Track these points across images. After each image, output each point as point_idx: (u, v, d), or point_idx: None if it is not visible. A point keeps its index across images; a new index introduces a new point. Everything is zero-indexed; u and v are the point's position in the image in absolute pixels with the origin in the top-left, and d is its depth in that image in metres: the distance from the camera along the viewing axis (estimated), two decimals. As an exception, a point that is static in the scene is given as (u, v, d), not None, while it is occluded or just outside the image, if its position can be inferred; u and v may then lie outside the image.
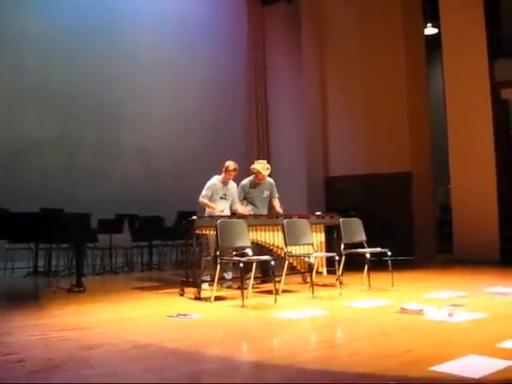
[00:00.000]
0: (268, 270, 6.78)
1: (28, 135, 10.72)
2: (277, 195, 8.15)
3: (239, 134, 13.59)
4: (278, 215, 7.58)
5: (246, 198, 8.01)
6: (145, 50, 12.31)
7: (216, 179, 7.62)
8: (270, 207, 8.15)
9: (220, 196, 7.58)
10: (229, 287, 7.34)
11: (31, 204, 8.08)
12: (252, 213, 7.70)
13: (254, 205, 7.98)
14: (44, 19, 11.24)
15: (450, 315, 4.86)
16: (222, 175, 7.62)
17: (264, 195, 8.07)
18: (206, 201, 7.48)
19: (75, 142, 11.32)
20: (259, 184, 8.03)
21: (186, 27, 13.02)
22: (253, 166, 8.06)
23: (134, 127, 12.13)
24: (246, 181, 8.09)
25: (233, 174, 7.59)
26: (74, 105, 11.34)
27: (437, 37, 12.21)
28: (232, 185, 7.76)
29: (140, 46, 12.27)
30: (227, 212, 7.56)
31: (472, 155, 10.69)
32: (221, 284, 7.34)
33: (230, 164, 7.57)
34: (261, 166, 7.96)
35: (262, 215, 7.55)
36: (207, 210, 7.57)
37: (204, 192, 7.53)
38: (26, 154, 10.65)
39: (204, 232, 6.86)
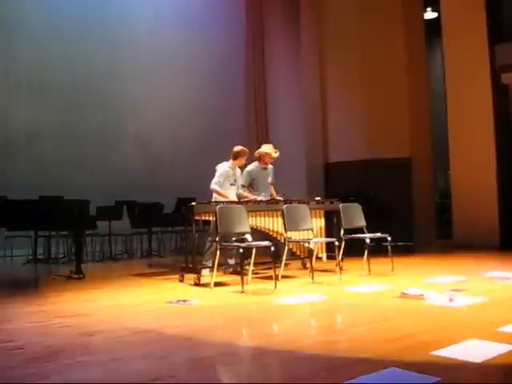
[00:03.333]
0: (279, 254, 6.77)
1: (26, 123, 10.67)
2: (274, 181, 8.11)
3: (238, 120, 13.53)
4: (278, 202, 7.52)
5: (250, 184, 7.89)
6: (143, 36, 12.23)
7: (226, 166, 7.54)
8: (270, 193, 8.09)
9: (231, 182, 7.53)
10: (233, 272, 7.33)
11: (30, 192, 8.05)
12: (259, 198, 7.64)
13: (257, 190, 7.84)
14: (42, 6, 11.17)
15: (451, 300, 4.86)
16: (231, 161, 7.56)
17: (268, 180, 8.01)
18: (218, 189, 7.39)
19: (73, 130, 11.26)
20: (265, 169, 7.96)
21: (183, 12, 12.95)
22: (260, 150, 7.93)
23: (133, 114, 12.07)
24: (252, 166, 7.93)
25: (246, 158, 7.56)
26: (71, 93, 11.28)
27: (436, 21, 12.12)
28: (238, 170, 7.73)
29: (138, 33, 12.19)
30: (235, 198, 7.52)
31: (472, 140, 10.65)
32: (223, 270, 7.35)
33: (245, 149, 7.53)
34: (269, 149, 7.86)
35: (261, 200, 7.50)
36: (215, 196, 7.46)
37: (217, 179, 7.43)
38: (24, 142, 10.61)
39: (207, 217, 6.83)
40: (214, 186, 7.41)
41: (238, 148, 7.55)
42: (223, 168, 7.51)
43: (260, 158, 7.90)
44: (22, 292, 6.31)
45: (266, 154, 7.82)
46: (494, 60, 10.69)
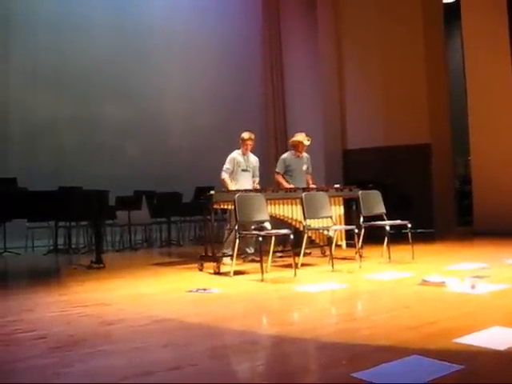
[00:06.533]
0: (298, 242, 6.79)
1: (44, 114, 10.75)
2: (310, 171, 8.33)
3: (255, 109, 13.49)
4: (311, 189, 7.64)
5: (286, 172, 8.11)
6: (159, 26, 12.23)
7: (236, 153, 7.68)
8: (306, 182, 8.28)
9: (242, 168, 7.64)
10: (251, 261, 7.35)
11: (49, 183, 8.10)
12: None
13: (293, 178, 8.07)
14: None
15: (473, 287, 4.80)
16: (241, 148, 7.65)
17: (303, 168, 8.20)
18: (225, 176, 7.52)
19: (91, 120, 11.33)
20: (299, 157, 8.15)
21: (199, 1, 12.92)
22: (293, 139, 8.19)
23: (150, 104, 12.08)
24: (286, 154, 8.28)
25: (249, 143, 7.61)
26: (88, 83, 11.33)
27: (455, 4, 11.94)
28: (254, 158, 7.79)
29: (154, 23, 12.20)
30: (249, 184, 7.58)
31: (492, 125, 10.51)
32: (243, 258, 7.37)
33: (245, 134, 7.63)
34: (301, 137, 8.09)
35: (280, 189, 7.54)
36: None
37: (225, 166, 7.59)
38: (43, 133, 10.69)
39: (226, 206, 6.85)
40: (222, 174, 7.57)
41: (242, 134, 7.64)
42: (231, 155, 7.67)
43: (294, 147, 8.15)
44: (44, 282, 6.38)
45: (299, 142, 8.04)
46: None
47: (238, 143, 7.70)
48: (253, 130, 7.96)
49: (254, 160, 7.81)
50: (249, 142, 7.60)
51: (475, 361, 2.93)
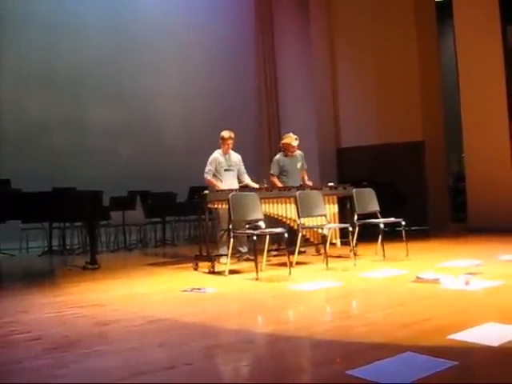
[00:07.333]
0: (293, 240, 6.79)
1: (37, 115, 10.71)
2: (305, 166, 8.40)
3: (249, 108, 13.47)
4: (307, 187, 7.69)
5: (280, 173, 8.18)
6: (153, 25, 12.20)
7: (217, 152, 7.61)
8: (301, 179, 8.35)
9: (224, 168, 7.57)
10: (246, 260, 7.35)
11: (43, 184, 8.07)
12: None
13: (288, 178, 8.13)
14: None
15: (467, 283, 4.82)
16: (222, 147, 7.61)
17: (298, 167, 8.26)
18: (210, 178, 7.47)
19: (85, 121, 11.29)
20: (292, 156, 8.21)
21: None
22: (282, 142, 8.30)
23: (144, 104, 12.05)
24: (278, 155, 8.34)
25: (229, 142, 7.56)
26: (82, 83, 11.29)
27: (447, 2, 11.97)
28: (236, 155, 7.73)
29: (148, 23, 12.16)
30: (235, 183, 7.55)
31: (485, 122, 10.53)
32: (237, 258, 7.38)
33: (225, 133, 7.58)
34: (289, 139, 8.16)
35: (274, 188, 7.56)
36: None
37: (207, 168, 7.51)
38: (36, 134, 10.65)
39: (215, 206, 6.84)
40: (205, 175, 7.51)
41: (222, 133, 7.60)
42: (213, 156, 7.60)
43: (284, 149, 8.25)
44: (39, 283, 6.37)
45: (288, 144, 8.14)
46: (506, 40, 10.54)
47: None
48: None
49: (236, 158, 7.71)
50: (229, 141, 7.53)
51: (469, 357, 2.94)
